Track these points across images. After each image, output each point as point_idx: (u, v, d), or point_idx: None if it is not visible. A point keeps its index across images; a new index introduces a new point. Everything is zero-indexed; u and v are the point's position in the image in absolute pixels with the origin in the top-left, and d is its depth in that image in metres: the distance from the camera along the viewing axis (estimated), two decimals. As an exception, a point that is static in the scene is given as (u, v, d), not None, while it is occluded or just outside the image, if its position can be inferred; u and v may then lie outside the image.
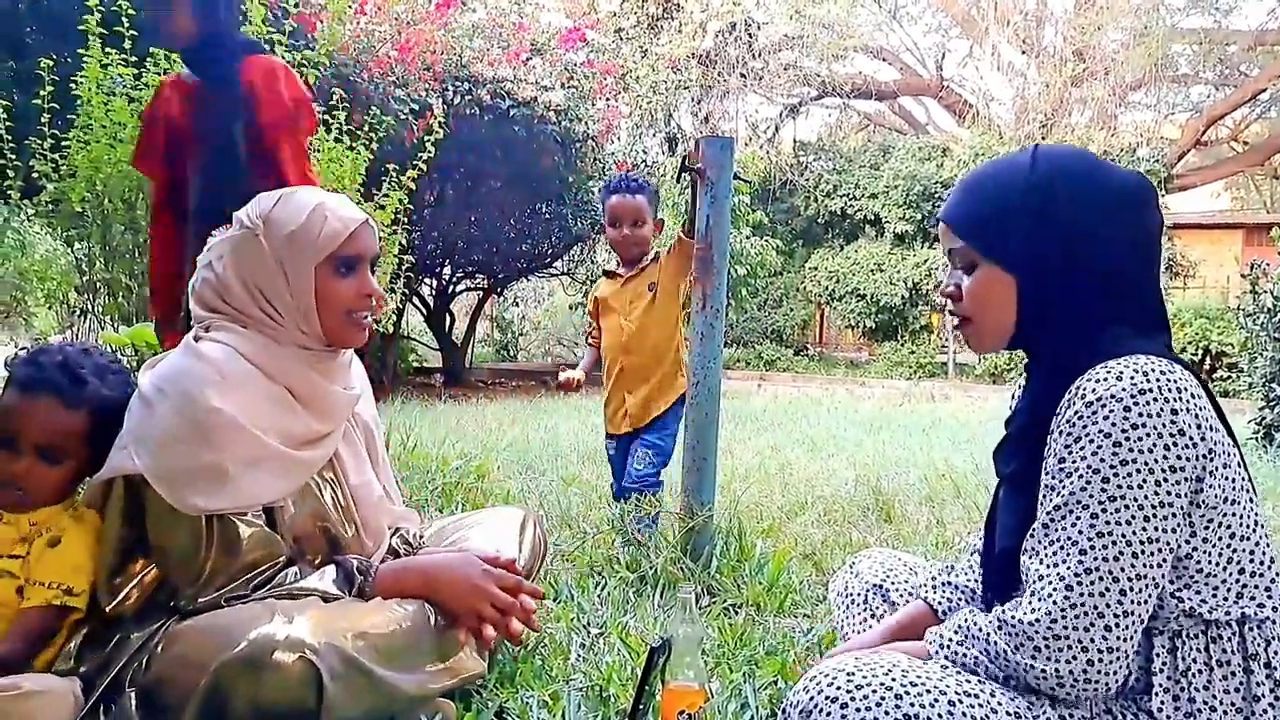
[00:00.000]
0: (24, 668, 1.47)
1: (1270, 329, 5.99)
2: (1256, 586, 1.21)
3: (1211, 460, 1.19)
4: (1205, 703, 1.17)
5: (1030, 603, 1.20)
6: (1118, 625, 1.15)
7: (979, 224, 1.32)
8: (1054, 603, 1.17)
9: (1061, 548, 1.19)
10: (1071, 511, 1.19)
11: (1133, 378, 1.17)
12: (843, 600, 1.73)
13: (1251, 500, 1.24)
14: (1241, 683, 1.18)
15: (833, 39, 15.56)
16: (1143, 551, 1.16)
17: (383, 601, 1.61)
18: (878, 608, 1.67)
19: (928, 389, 11.15)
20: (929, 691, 1.18)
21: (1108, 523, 1.16)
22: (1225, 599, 1.20)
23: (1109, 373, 1.19)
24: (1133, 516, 1.15)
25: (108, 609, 1.53)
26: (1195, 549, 1.20)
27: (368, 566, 1.67)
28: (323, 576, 1.62)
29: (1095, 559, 1.16)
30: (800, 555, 2.98)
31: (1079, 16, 15.22)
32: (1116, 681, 1.17)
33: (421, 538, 1.97)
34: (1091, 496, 1.17)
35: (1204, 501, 1.19)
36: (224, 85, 2.48)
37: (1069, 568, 1.17)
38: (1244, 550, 1.21)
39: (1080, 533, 1.17)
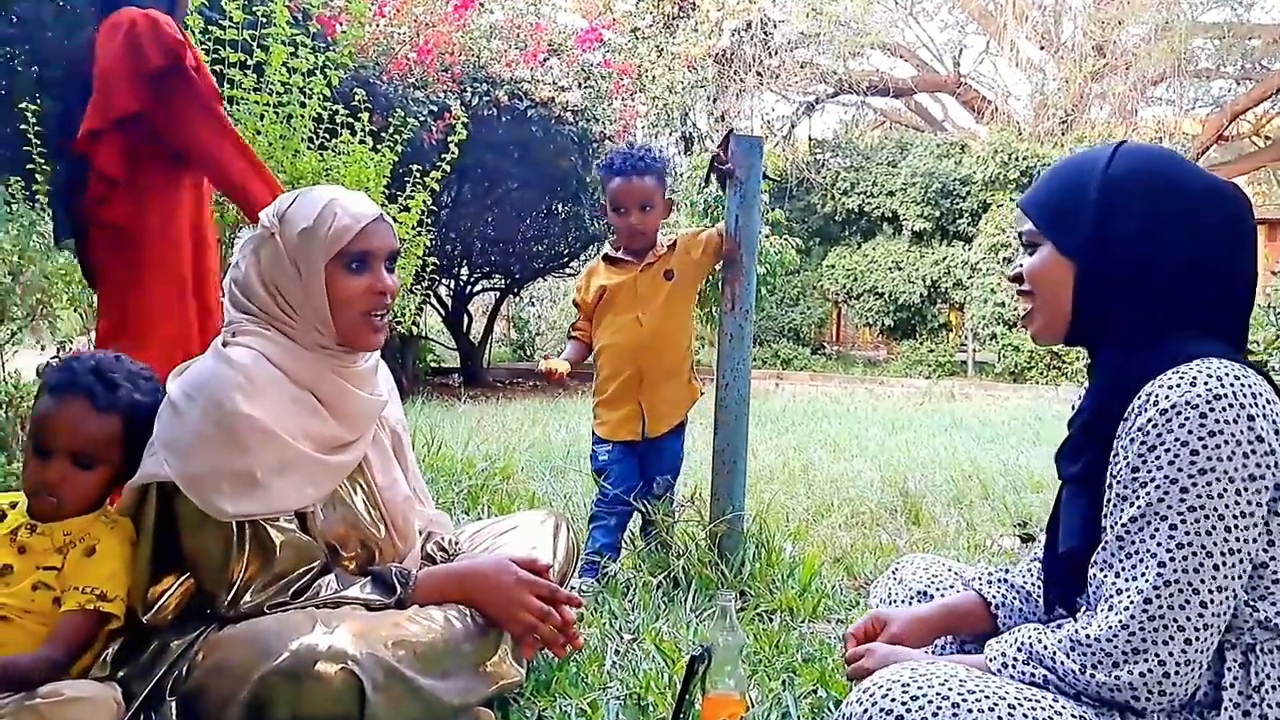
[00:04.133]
0: (62, 674, 1.46)
1: (1300, 326, 5.89)
2: None
3: None
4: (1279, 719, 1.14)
5: (1105, 617, 1.17)
6: (1198, 638, 1.13)
7: (1044, 205, 1.34)
8: (1131, 616, 1.14)
9: (1140, 560, 1.15)
10: (1149, 523, 1.15)
11: (1207, 383, 1.14)
12: (885, 607, 1.70)
13: None
14: None
15: (849, 36, 15.47)
16: (1224, 563, 1.12)
17: (420, 609, 1.60)
18: (922, 615, 1.63)
19: (947, 388, 11.06)
20: (988, 697, 1.15)
21: (1187, 533, 1.13)
22: None
23: (1181, 378, 1.15)
24: (1213, 527, 1.12)
25: (145, 619, 1.52)
26: (1273, 558, 1.16)
27: (407, 576, 1.65)
28: (363, 587, 1.61)
29: (1175, 571, 1.13)
30: (830, 559, 2.95)
31: (1098, 11, 15.07)
32: (1189, 691, 1.15)
33: (457, 544, 1.96)
34: (1170, 507, 1.14)
35: None
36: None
37: (1148, 581, 1.14)
38: None
39: (1159, 545, 1.14)
